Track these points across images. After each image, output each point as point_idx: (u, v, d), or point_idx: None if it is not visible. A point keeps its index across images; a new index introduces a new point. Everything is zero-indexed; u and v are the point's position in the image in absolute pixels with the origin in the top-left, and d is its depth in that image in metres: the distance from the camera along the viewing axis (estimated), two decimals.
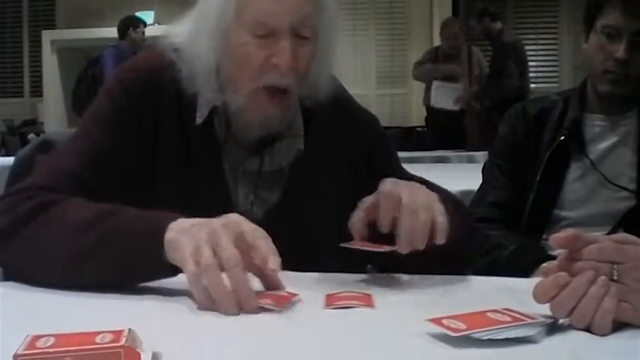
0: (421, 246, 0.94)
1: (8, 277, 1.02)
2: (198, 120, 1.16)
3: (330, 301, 0.88)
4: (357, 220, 1.01)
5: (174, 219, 0.93)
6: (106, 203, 1.01)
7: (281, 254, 0.95)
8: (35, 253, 0.99)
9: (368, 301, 0.88)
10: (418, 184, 1.06)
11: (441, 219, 0.97)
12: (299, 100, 1.20)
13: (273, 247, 0.89)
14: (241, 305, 0.84)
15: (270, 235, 0.94)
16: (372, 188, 1.23)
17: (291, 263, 1.03)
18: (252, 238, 0.89)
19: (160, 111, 1.16)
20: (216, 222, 0.90)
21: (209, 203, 1.09)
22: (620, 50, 1.49)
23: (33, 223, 1.00)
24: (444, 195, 1.08)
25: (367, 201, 1.02)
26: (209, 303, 0.84)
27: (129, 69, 1.21)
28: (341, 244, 0.99)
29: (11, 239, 1.01)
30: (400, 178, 1.24)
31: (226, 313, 0.83)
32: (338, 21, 1.19)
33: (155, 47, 1.19)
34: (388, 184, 1.01)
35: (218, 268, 0.84)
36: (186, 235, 0.89)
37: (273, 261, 0.87)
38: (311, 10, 1.10)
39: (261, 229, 0.91)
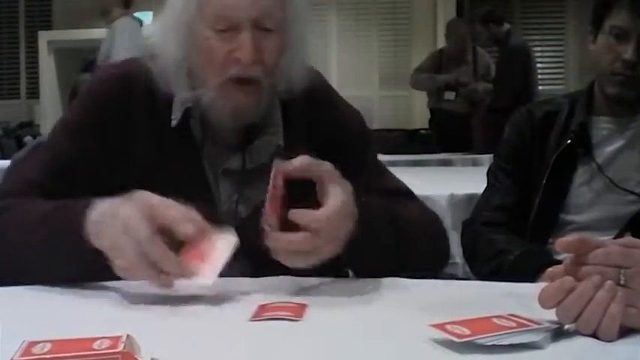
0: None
1: None
2: (174, 122, 1.17)
3: (259, 313, 0.86)
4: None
5: (91, 207, 0.97)
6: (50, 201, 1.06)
7: (268, 254, 0.96)
8: None
9: (298, 312, 0.86)
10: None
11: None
12: (276, 95, 1.22)
13: (185, 212, 0.92)
14: (165, 271, 0.89)
15: (256, 234, 0.96)
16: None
17: (278, 263, 1.04)
18: (162, 211, 0.92)
19: (134, 118, 1.19)
20: (125, 206, 0.94)
21: (190, 202, 1.09)
22: (628, 51, 1.49)
23: None
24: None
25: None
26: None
27: (101, 78, 1.25)
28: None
29: None
30: (371, 182, 1.26)
31: (153, 285, 0.90)
32: (307, 12, 1.21)
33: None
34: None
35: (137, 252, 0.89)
36: (104, 225, 0.94)
37: (185, 227, 0.91)
38: (274, 2, 1.12)
39: (170, 200, 0.93)
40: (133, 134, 1.18)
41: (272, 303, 0.89)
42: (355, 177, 1.25)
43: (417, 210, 1.25)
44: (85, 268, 0.98)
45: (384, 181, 1.30)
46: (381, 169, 1.33)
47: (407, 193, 1.31)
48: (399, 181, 1.33)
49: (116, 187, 1.15)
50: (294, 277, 1.05)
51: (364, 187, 1.24)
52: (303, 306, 0.88)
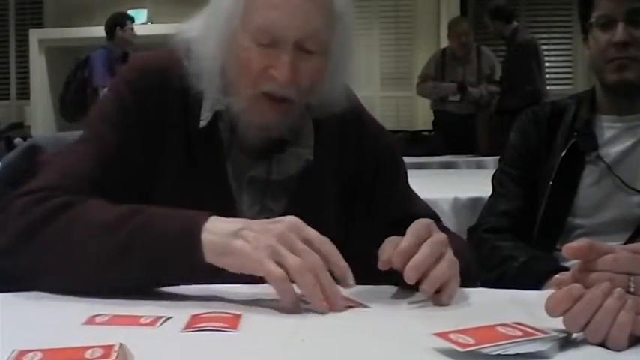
0: (430, 290, 0.95)
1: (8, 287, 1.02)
2: (202, 123, 1.17)
3: (192, 323, 0.85)
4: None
5: (207, 219, 0.98)
6: (127, 204, 1.05)
7: None
8: (59, 256, 1.01)
9: (232, 323, 0.85)
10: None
11: (455, 284, 0.98)
12: (309, 112, 1.22)
13: (344, 260, 0.95)
14: (331, 304, 0.91)
15: None
16: (370, 210, 1.27)
17: None
18: (320, 246, 0.94)
19: (166, 112, 1.18)
20: (280, 226, 0.95)
21: (210, 208, 1.10)
22: (617, 34, 1.51)
23: (54, 224, 1.02)
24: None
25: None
26: (296, 303, 0.91)
27: (136, 68, 1.24)
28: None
29: (29, 242, 1.02)
30: (403, 202, 1.29)
31: (318, 310, 0.90)
32: (354, 35, 1.21)
33: (168, 44, 1.20)
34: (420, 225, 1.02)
35: (308, 270, 0.91)
36: (243, 240, 0.95)
37: (351, 277, 0.94)
38: (321, 24, 1.12)
39: (324, 236, 0.95)
40: (166, 129, 1.18)
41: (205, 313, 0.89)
42: (386, 203, 1.27)
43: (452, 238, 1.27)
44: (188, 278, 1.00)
45: (414, 208, 1.30)
46: (410, 194, 1.35)
47: (437, 220, 1.31)
48: (426, 205, 1.35)
49: (149, 182, 1.17)
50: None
51: (395, 213, 1.26)
52: (237, 316, 0.88)
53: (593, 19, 1.56)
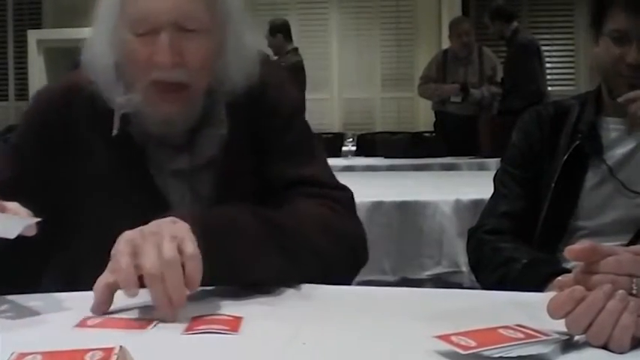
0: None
1: None
2: (115, 131, 1.20)
3: (193, 325, 0.86)
4: None
5: None
6: None
7: None
8: None
9: (233, 326, 0.85)
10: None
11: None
12: (219, 96, 1.23)
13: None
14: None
15: None
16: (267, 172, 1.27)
17: None
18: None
19: (77, 131, 1.23)
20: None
21: (144, 211, 1.10)
22: (631, 54, 1.50)
23: None
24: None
25: None
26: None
27: (39, 98, 1.31)
28: None
29: None
30: (288, 170, 1.26)
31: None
32: (241, 11, 1.23)
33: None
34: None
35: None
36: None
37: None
38: (197, 4, 1.14)
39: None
40: (78, 148, 1.22)
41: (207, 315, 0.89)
42: (276, 163, 1.27)
43: (310, 208, 1.21)
44: None
45: (300, 170, 1.27)
46: (308, 157, 1.30)
47: (313, 184, 1.27)
48: (316, 169, 1.29)
49: (66, 203, 1.22)
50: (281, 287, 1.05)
51: (279, 175, 1.26)
52: (238, 319, 0.88)
53: (606, 29, 1.54)
